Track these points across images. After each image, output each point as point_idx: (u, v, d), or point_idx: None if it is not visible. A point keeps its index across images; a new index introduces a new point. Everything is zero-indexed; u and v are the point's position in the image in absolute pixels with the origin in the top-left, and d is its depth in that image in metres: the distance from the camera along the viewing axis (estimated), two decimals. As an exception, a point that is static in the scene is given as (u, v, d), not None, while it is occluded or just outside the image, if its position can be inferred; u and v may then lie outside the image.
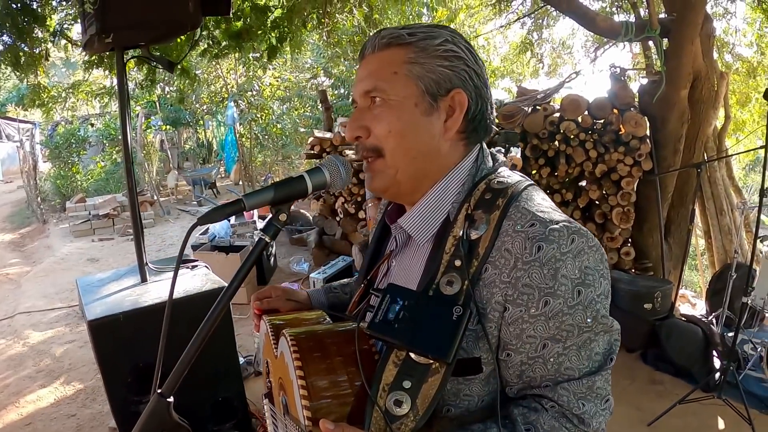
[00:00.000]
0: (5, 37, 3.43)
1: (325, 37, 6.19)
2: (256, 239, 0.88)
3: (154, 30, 2.40)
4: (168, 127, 15.67)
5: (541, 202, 0.90)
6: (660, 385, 3.63)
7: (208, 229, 6.63)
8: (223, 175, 15.48)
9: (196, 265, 3.09)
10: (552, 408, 0.86)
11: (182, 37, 4.13)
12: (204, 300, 2.61)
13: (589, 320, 0.84)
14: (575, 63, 9.89)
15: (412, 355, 0.82)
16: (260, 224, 6.93)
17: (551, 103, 4.73)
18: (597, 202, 4.65)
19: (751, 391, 3.22)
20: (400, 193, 1.00)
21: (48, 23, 3.62)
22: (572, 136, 4.47)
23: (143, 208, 9.18)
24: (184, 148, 17.99)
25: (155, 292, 2.67)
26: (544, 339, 0.85)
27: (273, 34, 5.10)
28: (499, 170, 0.97)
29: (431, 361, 0.82)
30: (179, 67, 4.63)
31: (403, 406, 0.81)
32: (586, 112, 4.47)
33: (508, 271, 0.84)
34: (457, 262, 0.87)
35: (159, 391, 0.83)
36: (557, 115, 4.55)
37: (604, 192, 4.54)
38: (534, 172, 4.75)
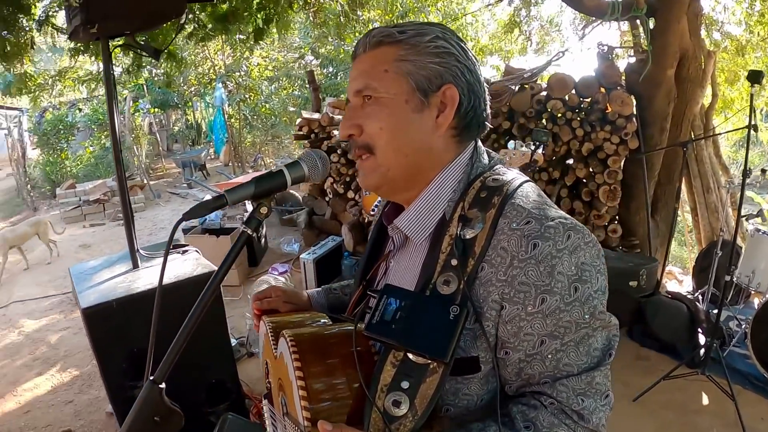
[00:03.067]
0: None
1: (311, 18, 6.16)
2: (239, 231, 0.90)
3: (138, 19, 2.40)
4: (156, 109, 15.55)
5: (537, 199, 0.90)
6: (646, 361, 3.67)
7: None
8: (212, 157, 15.37)
9: (187, 250, 3.11)
10: (551, 405, 0.86)
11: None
12: (195, 285, 2.64)
13: (586, 316, 0.85)
14: (563, 40, 9.77)
15: (410, 355, 0.83)
16: (251, 207, 6.96)
17: (538, 82, 4.72)
18: (584, 181, 4.66)
19: (736, 367, 3.27)
20: (392, 190, 1.00)
21: (32, 12, 3.59)
22: (559, 115, 4.47)
23: (133, 192, 9.16)
24: (173, 131, 17.88)
25: (147, 278, 2.70)
26: (542, 336, 0.85)
27: (259, 16, 5.06)
28: (494, 167, 0.97)
29: (429, 361, 0.82)
30: (165, 51, 4.61)
31: (402, 406, 0.81)
32: (573, 91, 4.45)
33: (505, 269, 0.84)
34: (454, 262, 0.87)
35: (151, 378, 0.84)
36: (544, 93, 4.53)
37: (591, 170, 4.54)
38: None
